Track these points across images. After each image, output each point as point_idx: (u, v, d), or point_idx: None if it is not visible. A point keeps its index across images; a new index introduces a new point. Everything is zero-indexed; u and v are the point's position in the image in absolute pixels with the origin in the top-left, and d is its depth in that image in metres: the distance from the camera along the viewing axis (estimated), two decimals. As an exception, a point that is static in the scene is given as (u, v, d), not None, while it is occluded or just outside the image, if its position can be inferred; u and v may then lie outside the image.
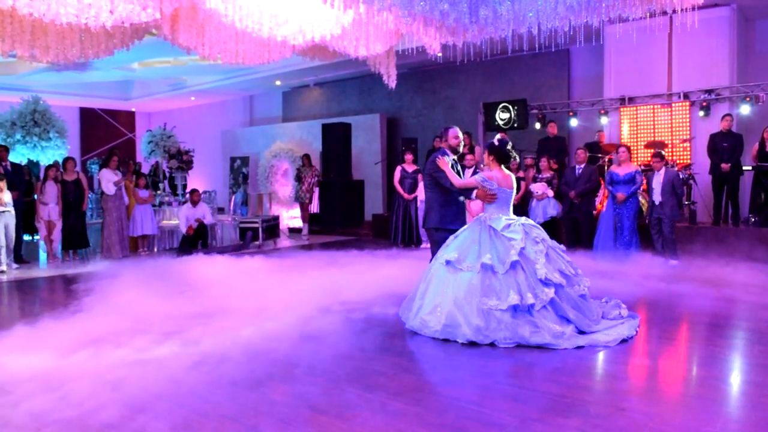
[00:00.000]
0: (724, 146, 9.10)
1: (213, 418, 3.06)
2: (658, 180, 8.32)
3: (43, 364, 3.89)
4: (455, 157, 5.45)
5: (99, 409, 3.16)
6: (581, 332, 4.38)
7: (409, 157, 10.78)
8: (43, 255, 9.56)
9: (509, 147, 4.99)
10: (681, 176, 8.94)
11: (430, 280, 4.70)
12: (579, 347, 4.18)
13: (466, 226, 4.93)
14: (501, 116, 12.14)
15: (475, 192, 4.94)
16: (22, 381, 3.59)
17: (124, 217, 10.09)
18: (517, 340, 4.24)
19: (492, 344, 4.26)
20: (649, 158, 9.98)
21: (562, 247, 4.90)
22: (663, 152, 9.19)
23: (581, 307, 4.53)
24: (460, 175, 5.34)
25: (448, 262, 4.60)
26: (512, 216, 4.86)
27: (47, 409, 3.16)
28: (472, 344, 4.27)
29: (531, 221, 4.95)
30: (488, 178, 4.83)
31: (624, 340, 4.34)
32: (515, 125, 12.02)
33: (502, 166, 4.94)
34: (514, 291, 4.34)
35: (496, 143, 5.00)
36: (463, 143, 5.61)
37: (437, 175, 5.23)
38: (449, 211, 5.34)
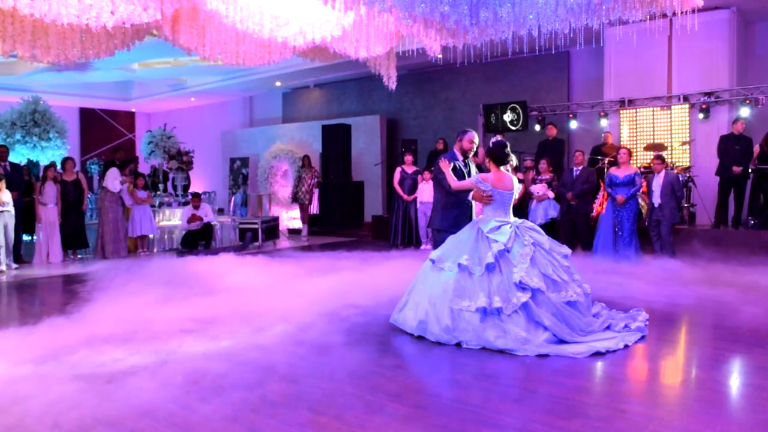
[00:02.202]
0: (736, 149, 9.10)
1: (214, 419, 3.06)
2: (657, 182, 8.35)
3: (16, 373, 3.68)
4: (464, 160, 5.55)
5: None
6: (561, 341, 4.22)
7: (408, 158, 10.79)
8: (42, 255, 9.53)
9: (507, 149, 4.98)
10: (680, 179, 8.97)
11: (418, 278, 4.79)
12: (542, 355, 4.04)
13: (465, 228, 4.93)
14: (501, 118, 12.15)
15: (471, 193, 4.96)
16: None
17: (120, 218, 10.08)
18: (483, 344, 4.21)
19: (458, 345, 4.28)
20: (649, 161, 10.01)
21: (564, 251, 4.78)
22: (663, 154, 9.21)
23: (563, 315, 4.34)
24: (469, 177, 5.40)
25: (432, 261, 4.69)
26: (510, 218, 4.80)
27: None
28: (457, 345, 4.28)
29: (530, 224, 4.90)
30: (483, 180, 4.84)
31: (598, 353, 4.07)
32: (515, 127, 12.03)
33: (502, 168, 4.94)
34: (484, 294, 4.31)
35: (492, 145, 5.02)
36: (476, 147, 5.69)
37: (440, 176, 5.34)
38: (451, 213, 5.42)
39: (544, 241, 4.69)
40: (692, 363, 4.16)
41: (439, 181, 5.39)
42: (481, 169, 5.88)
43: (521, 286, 4.30)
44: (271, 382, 3.59)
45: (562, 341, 4.25)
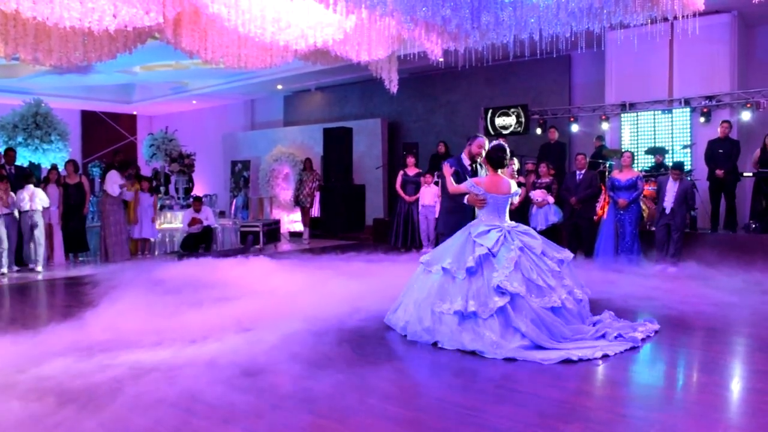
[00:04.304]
0: (720, 152, 9.11)
1: (215, 421, 3.06)
2: (672, 188, 8.29)
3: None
4: (472, 164, 5.64)
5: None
6: (538, 347, 4.16)
7: (410, 160, 10.75)
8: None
9: (505, 152, 5.01)
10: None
11: (411, 281, 4.95)
12: (509, 359, 4.03)
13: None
14: (502, 121, 12.17)
15: (466, 197, 5.00)
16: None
17: (122, 221, 10.05)
18: (457, 346, 4.31)
19: (435, 344, 4.43)
20: (650, 164, 10.01)
21: (563, 256, 4.76)
22: (682, 165, 9.19)
23: (544, 321, 4.29)
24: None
25: (422, 264, 4.84)
26: (504, 222, 4.81)
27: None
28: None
29: (525, 227, 4.90)
30: (476, 184, 4.90)
31: (569, 360, 3.98)
32: (516, 130, 12.04)
33: (499, 171, 4.99)
34: (462, 297, 4.41)
35: (490, 149, 5.09)
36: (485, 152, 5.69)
37: (442, 181, 5.43)
38: (453, 217, 5.51)
39: (536, 245, 4.70)
40: (693, 367, 4.15)
41: (443, 186, 5.52)
42: None
43: (500, 291, 4.34)
44: (273, 386, 3.59)
45: (539, 347, 4.18)
